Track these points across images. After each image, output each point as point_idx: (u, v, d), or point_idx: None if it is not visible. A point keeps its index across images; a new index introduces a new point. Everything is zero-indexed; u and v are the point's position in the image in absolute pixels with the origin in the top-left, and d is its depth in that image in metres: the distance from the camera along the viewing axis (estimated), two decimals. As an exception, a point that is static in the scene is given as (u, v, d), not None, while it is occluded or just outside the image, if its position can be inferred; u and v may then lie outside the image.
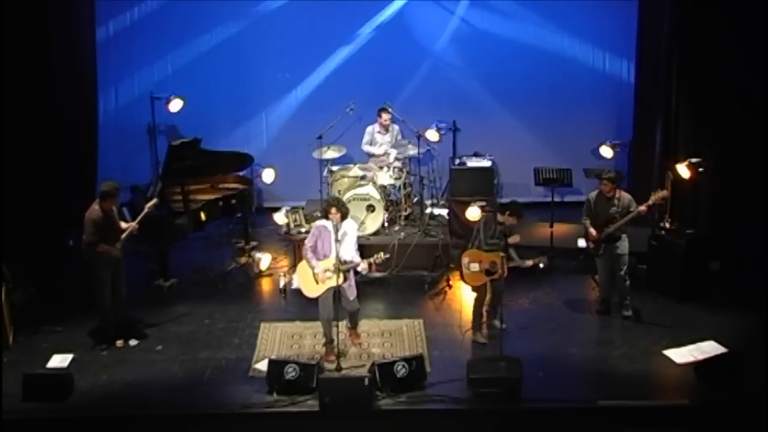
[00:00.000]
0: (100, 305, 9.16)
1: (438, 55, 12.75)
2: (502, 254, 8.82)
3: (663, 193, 9.46)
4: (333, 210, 8.68)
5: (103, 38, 11.95)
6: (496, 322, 9.28)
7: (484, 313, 9.26)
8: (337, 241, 8.61)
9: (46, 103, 10.91)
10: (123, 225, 9.19)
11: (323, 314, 8.82)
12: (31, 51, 10.60)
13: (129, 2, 12.39)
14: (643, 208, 9.27)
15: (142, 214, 9.31)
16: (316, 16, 12.59)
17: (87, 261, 9.06)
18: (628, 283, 9.60)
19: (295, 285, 9.28)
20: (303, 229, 11.20)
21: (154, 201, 9.52)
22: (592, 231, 9.52)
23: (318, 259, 8.77)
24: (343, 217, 8.74)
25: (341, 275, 8.62)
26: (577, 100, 12.82)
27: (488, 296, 9.17)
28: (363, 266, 8.81)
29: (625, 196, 9.45)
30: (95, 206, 8.98)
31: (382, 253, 8.92)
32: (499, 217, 9.11)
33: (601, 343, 9.33)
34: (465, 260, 9.05)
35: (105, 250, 8.96)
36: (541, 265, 9.07)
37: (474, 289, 9.16)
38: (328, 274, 8.65)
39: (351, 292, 8.89)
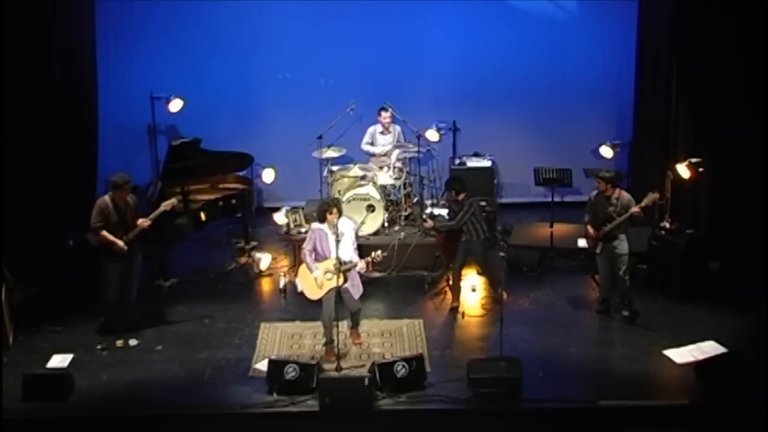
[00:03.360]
0: (104, 300, 9.19)
1: (438, 55, 12.74)
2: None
3: (655, 196, 9.38)
4: (333, 211, 8.69)
5: (103, 38, 11.93)
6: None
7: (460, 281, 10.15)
8: (337, 241, 8.62)
9: (46, 102, 10.89)
10: (139, 221, 9.22)
11: (326, 316, 8.81)
12: (31, 51, 10.59)
13: (129, 2, 12.38)
14: (636, 209, 9.23)
15: (157, 212, 9.33)
16: (317, 16, 12.58)
17: (96, 252, 9.13)
18: (628, 283, 9.59)
19: (299, 289, 9.28)
20: (303, 229, 11.20)
21: (171, 200, 9.57)
22: (590, 229, 9.54)
23: (318, 261, 8.76)
24: (339, 215, 8.76)
25: (342, 276, 8.62)
26: (577, 100, 12.81)
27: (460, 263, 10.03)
28: (361, 265, 8.83)
29: (625, 197, 9.43)
30: (105, 196, 9.14)
31: (380, 252, 8.96)
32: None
33: (601, 343, 9.34)
34: None
35: (107, 239, 8.99)
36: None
37: None
38: (329, 275, 8.66)
39: (356, 292, 8.91)
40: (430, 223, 10.41)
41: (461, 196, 9.81)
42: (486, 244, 10.05)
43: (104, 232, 9.03)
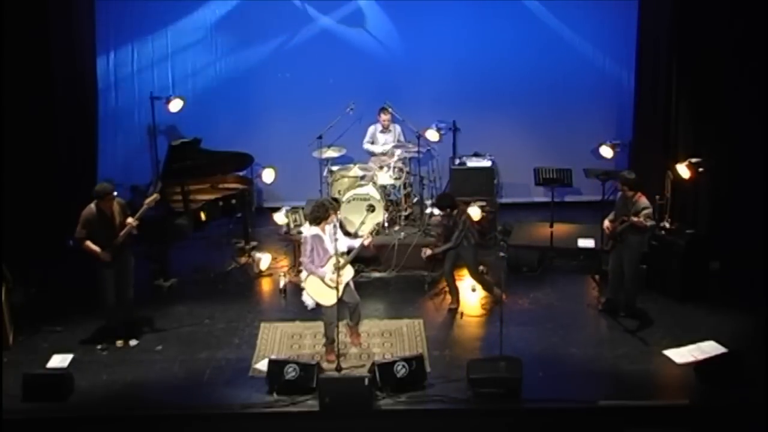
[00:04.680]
0: (102, 304, 9.17)
1: (438, 55, 12.75)
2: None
3: (636, 221, 9.26)
4: (333, 213, 8.69)
5: (103, 38, 11.94)
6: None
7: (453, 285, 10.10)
8: (335, 239, 8.63)
9: (46, 102, 10.91)
10: (128, 221, 9.10)
11: (329, 317, 8.79)
12: (31, 51, 10.61)
13: (129, 2, 12.38)
14: (634, 219, 9.16)
15: (141, 210, 9.23)
16: (317, 16, 12.59)
17: (89, 258, 9.07)
18: (634, 286, 9.56)
19: (311, 304, 9.00)
20: (303, 229, 11.18)
21: (153, 197, 9.40)
22: (606, 222, 9.55)
23: (321, 267, 8.74)
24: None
25: (349, 269, 8.67)
26: (577, 100, 12.81)
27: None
28: (368, 240, 8.86)
29: (641, 203, 9.30)
30: (92, 204, 9.01)
31: (376, 226, 8.95)
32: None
33: (601, 343, 9.33)
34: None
35: (89, 249, 8.94)
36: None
37: None
38: (337, 274, 8.63)
39: (351, 283, 8.91)
40: (428, 252, 10.00)
41: (455, 212, 9.79)
42: (476, 249, 9.99)
43: (87, 243, 8.92)
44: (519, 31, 12.69)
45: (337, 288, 8.61)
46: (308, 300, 8.93)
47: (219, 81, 12.72)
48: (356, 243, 8.87)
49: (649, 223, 9.24)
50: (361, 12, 12.63)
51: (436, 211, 11.76)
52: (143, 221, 9.24)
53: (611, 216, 9.61)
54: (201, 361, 8.96)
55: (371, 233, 9.01)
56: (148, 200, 9.31)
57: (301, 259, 8.82)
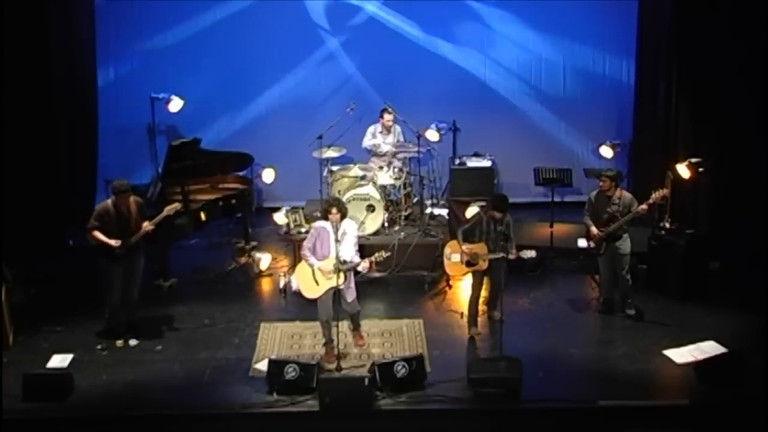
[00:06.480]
0: (107, 302, 9.18)
1: (438, 54, 12.74)
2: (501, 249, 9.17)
3: (663, 192, 9.46)
4: (333, 210, 8.67)
5: (103, 37, 11.94)
6: (496, 313, 9.43)
7: (479, 308, 9.51)
8: (336, 241, 8.62)
9: (46, 103, 10.92)
10: (144, 225, 9.11)
11: (322, 315, 8.83)
12: (31, 51, 10.61)
13: (129, 2, 12.37)
14: (643, 206, 9.28)
15: (160, 217, 9.22)
16: (317, 16, 12.60)
17: (98, 255, 9.08)
18: (630, 282, 9.60)
19: (294, 287, 9.24)
20: (303, 229, 11.21)
21: (174, 205, 9.46)
22: (594, 230, 9.53)
23: (317, 260, 8.76)
24: (343, 216, 8.74)
25: (341, 276, 8.62)
26: (577, 100, 12.82)
27: (484, 289, 9.48)
28: (364, 265, 8.81)
29: (626, 195, 9.46)
30: (108, 200, 9.07)
31: (383, 252, 8.95)
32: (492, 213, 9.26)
33: (601, 342, 9.34)
34: (447, 251, 9.45)
35: (98, 239, 8.93)
36: (528, 255, 9.14)
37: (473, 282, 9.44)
38: (329, 275, 8.65)
39: (350, 294, 8.88)
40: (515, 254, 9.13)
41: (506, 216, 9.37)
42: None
43: (96, 233, 8.94)
44: (519, 31, 12.69)
45: (336, 288, 8.61)
46: (293, 284, 8.98)
47: (219, 81, 12.71)
48: (357, 259, 8.82)
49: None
50: (362, 12, 12.62)
51: (436, 211, 11.86)
52: (159, 223, 9.25)
53: (586, 219, 9.60)
54: (201, 361, 8.95)
55: (374, 261, 8.85)
56: (169, 208, 9.33)
57: (304, 243, 8.94)
